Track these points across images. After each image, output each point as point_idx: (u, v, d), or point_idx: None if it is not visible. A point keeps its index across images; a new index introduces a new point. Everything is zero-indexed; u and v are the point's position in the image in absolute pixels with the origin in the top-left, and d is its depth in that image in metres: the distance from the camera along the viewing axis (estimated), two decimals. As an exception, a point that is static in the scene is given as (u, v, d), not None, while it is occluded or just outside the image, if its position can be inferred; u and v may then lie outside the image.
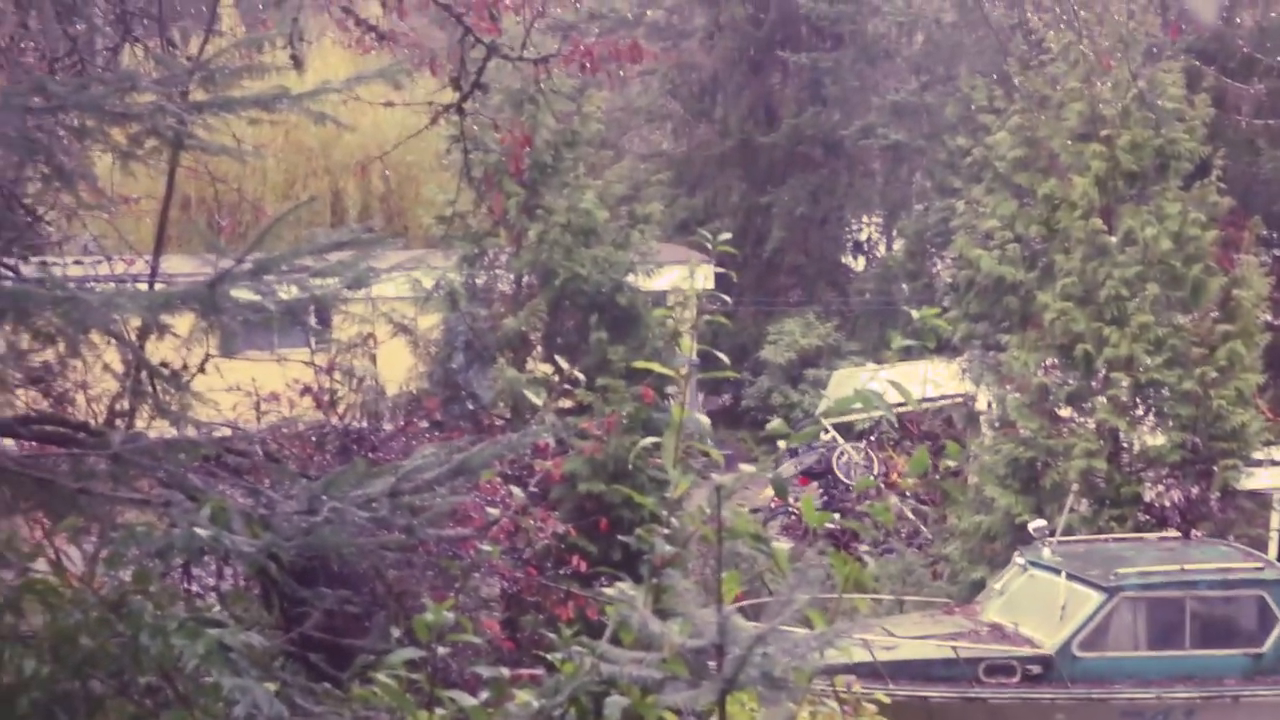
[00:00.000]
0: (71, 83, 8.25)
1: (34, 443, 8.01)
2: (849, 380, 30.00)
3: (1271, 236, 26.67)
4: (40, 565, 6.74)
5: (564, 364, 17.82)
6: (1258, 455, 22.56)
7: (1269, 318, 23.86)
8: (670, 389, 20.09)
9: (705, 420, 7.36)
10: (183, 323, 8.60)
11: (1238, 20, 30.24)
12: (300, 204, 20.05)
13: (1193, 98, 24.17)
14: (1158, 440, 22.61)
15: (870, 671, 12.80)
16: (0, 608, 6.13)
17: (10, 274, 7.79)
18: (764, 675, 5.04)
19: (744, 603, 6.40)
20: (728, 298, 8.84)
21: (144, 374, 8.79)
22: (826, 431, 28.31)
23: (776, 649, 5.04)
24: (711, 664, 5.05)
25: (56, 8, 9.06)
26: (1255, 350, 22.93)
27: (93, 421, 8.61)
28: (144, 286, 8.75)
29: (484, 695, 7.10)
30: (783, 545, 6.87)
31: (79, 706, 5.98)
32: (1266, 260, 24.12)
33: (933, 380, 27.13)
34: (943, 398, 27.38)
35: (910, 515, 26.00)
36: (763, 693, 5.25)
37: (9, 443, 8.08)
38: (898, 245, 42.90)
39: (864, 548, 21.38)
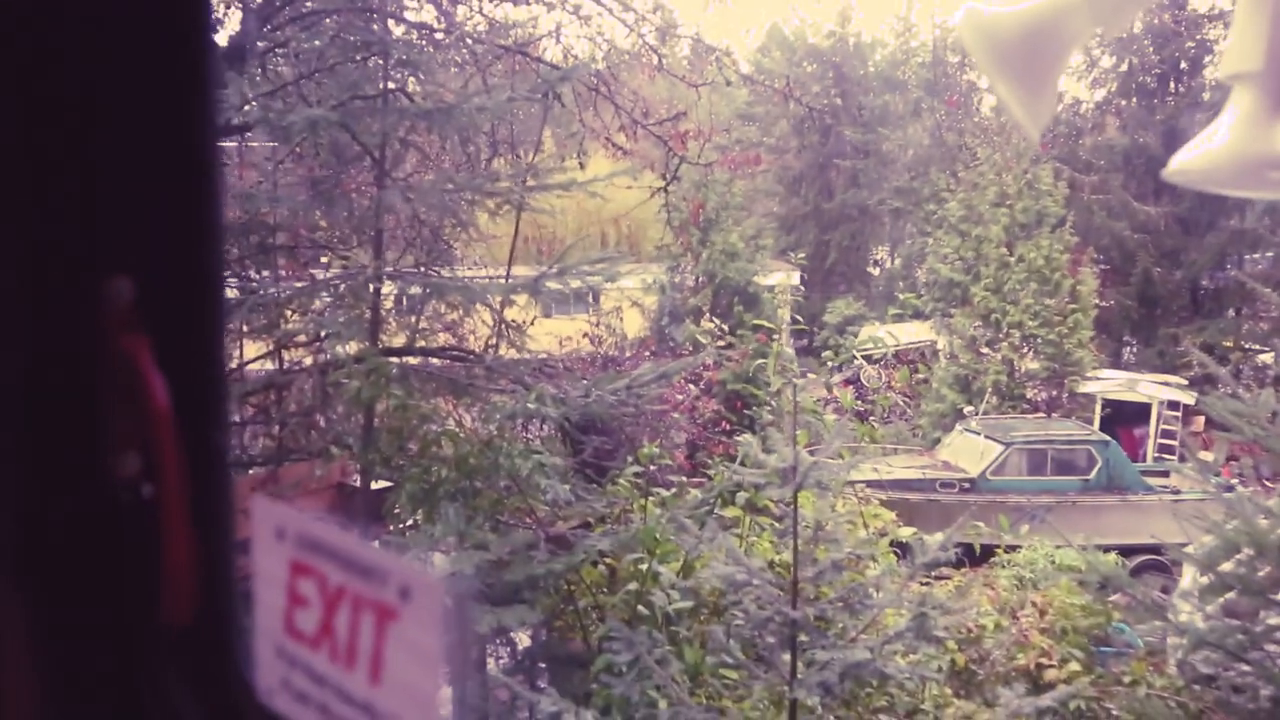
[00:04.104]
0: (466, 176, 8.36)
1: (447, 360, 8.17)
2: (870, 332, 29.45)
3: (1098, 258, 25.85)
4: (449, 423, 6.86)
5: (719, 323, 17.64)
6: (1089, 374, 22.25)
7: (1097, 301, 23.46)
8: (775, 336, 19.94)
9: (791, 352, 7.29)
10: (522, 299, 8.65)
11: (1083, 141, 29.35)
12: (580, 238, 20.14)
13: (1057, 183, 23.88)
14: (1035, 365, 22.15)
15: (876, 484, 12.57)
16: (430, 442, 6.27)
17: (436, 274, 7.93)
18: (817, 481, 4.99)
19: (809, 446, 6.36)
20: (803, 288, 8.71)
21: (502, 326, 8.87)
22: (855, 359, 27.80)
23: (824, 469, 5.00)
24: (791, 476, 5.02)
25: (458, 135, 9.15)
26: (1089, 318, 22.55)
27: (476, 350, 8.74)
28: (502, 281, 8.86)
29: (673, 490, 7.12)
30: (831, 417, 6.79)
31: (468, 494, 6.10)
32: (1096, 271, 23.78)
33: (914, 333, 26.84)
34: (920, 342, 26.81)
35: (900, 403, 25.49)
36: (816, 490, 5.20)
37: (436, 361, 8.25)
38: (897, 261, 41.97)
39: (874, 420, 20.95)
